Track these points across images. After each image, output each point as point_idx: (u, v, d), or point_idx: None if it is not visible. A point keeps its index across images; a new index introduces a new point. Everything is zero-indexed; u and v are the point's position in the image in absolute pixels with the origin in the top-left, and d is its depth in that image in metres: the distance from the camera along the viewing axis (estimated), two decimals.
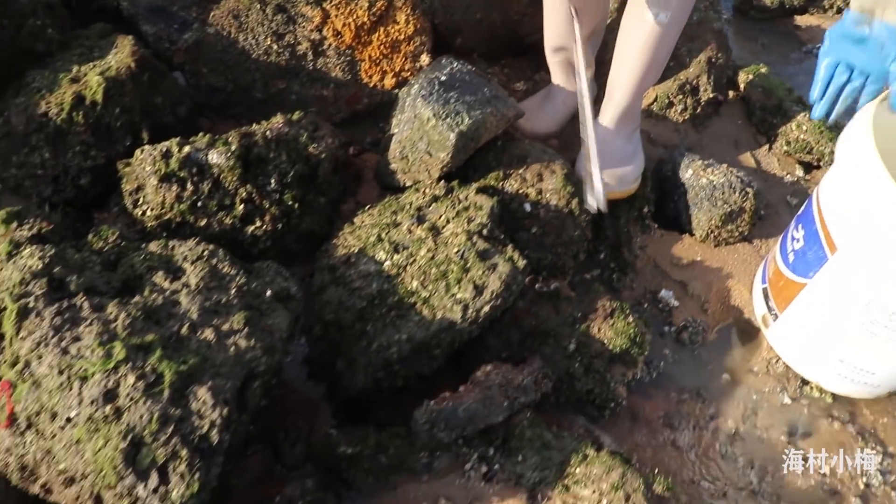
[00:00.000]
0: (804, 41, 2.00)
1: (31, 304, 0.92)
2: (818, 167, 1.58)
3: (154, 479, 0.80)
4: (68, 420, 0.82)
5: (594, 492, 1.01)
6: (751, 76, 1.67)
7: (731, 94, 1.69)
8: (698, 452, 1.17)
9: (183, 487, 0.79)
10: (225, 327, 0.92)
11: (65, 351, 0.86)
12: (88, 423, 0.81)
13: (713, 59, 1.63)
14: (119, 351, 0.84)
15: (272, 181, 1.24)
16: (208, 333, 0.91)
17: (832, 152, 1.54)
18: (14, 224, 1.10)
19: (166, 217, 1.21)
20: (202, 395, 0.83)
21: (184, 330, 0.91)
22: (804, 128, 1.55)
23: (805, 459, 1.17)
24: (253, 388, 0.90)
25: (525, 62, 1.74)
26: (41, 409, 0.84)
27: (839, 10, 2.02)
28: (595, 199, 1.17)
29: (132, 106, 1.29)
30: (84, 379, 0.83)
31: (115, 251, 1.06)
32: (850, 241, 1.06)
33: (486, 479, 1.04)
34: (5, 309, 0.98)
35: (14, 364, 0.87)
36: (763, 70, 1.67)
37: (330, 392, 1.17)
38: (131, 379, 0.82)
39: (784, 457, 1.17)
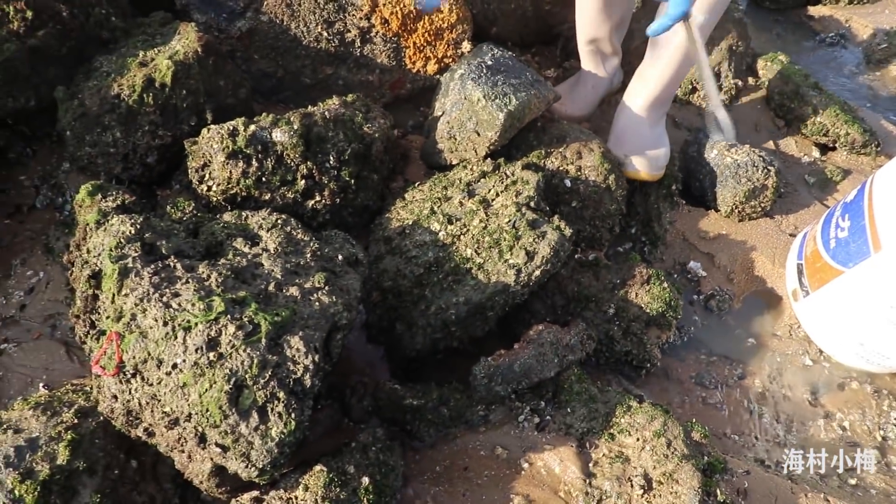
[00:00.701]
0: (817, 31, 2.09)
1: (129, 265, 1.01)
2: (833, 148, 1.67)
3: (255, 418, 0.89)
4: (174, 366, 0.91)
5: (638, 439, 1.10)
6: (769, 63, 1.76)
7: (750, 80, 1.78)
8: (729, 408, 1.27)
9: (281, 426, 0.88)
10: (307, 285, 1.01)
11: (167, 305, 0.94)
12: (194, 368, 0.90)
13: (734, 47, 1.72)
14: (218, 304, 0.93)
15: (331, 158, 1.32)
16: (293, 291, 0.99)
17: (847, 134, 1.63)
18: (98, 196, 1.19)
19: (232, 192, 1.30)
20: (295, 344, 0.92)
21: (271, 287, 1.00)
22: (820, 112, 1.64)
23: (827, 416, 1.27)
24: (336, 339, 0.99)
25: (555, 50, 1.82)
26: (147, 358, 0.93)
27: (851, 1, 2.10)
28: (725, 131, 1.25)
29: (197, 88, 1.37)
30: (187, 329, 0.92)
31: (193, 221, 1.15)
32: None
33: (538, 430, 1.13)
34: (100, 272, 1.07)
35: (119, 318, 0.96)
36: (781, 57, 1.76)
37: (388, 354, 1.26)
38: (231, 329, 0.91)
39: (807, 413, 1.26)
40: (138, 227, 1.06)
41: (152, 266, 1.01)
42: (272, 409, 0.89)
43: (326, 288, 1.01)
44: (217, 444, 0.90)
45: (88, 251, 1.10)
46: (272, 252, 1.07)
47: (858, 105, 1.81)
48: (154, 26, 1.51)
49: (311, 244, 1.10)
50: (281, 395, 0.90)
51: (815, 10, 2.12)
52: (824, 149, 1.67)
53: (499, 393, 1.13)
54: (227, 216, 1.15)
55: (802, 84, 1.69)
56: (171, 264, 1.01)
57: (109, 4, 1.50)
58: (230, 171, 1.28)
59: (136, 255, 1.02)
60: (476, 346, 1.27)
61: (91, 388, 1.12)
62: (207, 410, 0.89)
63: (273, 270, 1.03)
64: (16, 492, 0.95)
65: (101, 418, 1.05)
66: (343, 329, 1.00)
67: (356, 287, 1.06)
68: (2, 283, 1.31)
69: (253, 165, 1.28)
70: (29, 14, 1.33)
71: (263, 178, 1.30)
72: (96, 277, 1.07)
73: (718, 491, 1.04)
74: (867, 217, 1.19)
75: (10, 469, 0.97)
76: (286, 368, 0.91)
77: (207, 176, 1.32)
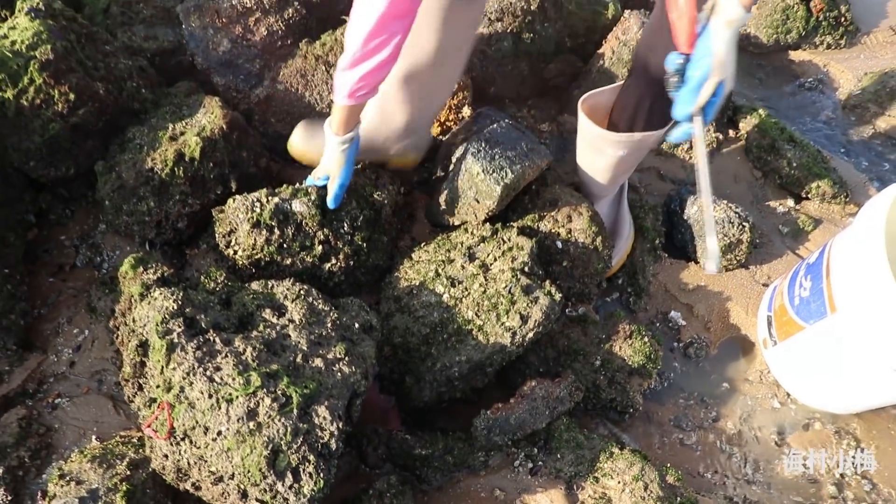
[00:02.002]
0: (797, 75, 2.22)
1: (174, 340, 1.16)
2: (807, 198, 1.81)
3: (290, 478, 1.04)
4: (219, 433, 1.06)
5: (619, 482, 1.25)
6: (748, 117, 1.89)
7: (731, 132, 1.91)
8: (703, 449, 1.42)
9: (312, 484, 1.04)
10: (330, 356, 1.16)
11: (210, 379, 1.09)
12: (236, 435, 1.05)
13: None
14: (255, 378, 1.08)
15: (345, 225, 1.47)
16: (318, 362, 1.14)
17: (818, 186, 1.77)
18: (140, 269, 1.33)
19: (256, 257, 1.44)
20: (322, 413, 1.07)
21: (298, 359, 1.15)
22: (794, 164, 1.78)
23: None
24: (356, 404, 1.14)
25: (549, 101, 1.96)
26: (195, 425, 1.08)
27: (829, 46, 2.23)
28: (711, 259, 1.15)
29: (223, 160, 1.51)
30: (230, 401, 1.07)
31: (225, 291, 1.29)
32: (849, 309, 1.22)
33: (531, 474, 1.28)
34: (146, 342, 1.22)
35: (169, 389, 1.11)
36: (760, 111, 1.89)
37: (399, 403, 1.41)
38: (268, 401, 1.06)
39: (773, 453, 1.41)
40: (180, 302, 1.21)
41: (195, 341, 1.16)
42: (304, 470, 1.05)
43: (346, 359, 1.16)
44: (257, 500, 1.06)
45: (134, 321, 1.25)
46: (297, 323, 1.22)
47: (832, 151, 1.94)
48: (180, 97, 1.65)
49: (332, 314, 1.24)
50: (311, 458, 1.05)
51: (795, 55, 2.24)
52: (798, 198, 1.81)
53: (497, 442, 1.28)
54: (255, 285, 1.29)
55: (778, 138, 1.82)
56: (211, 339, 1.16)
57: (140, 76, 1.64)
58: (254, 239, 1.43)
59: (180, 330, 1.17)
60: (476, 394, 1.42)
61: (136, 440, 1.28)
62: (249, 471, 1.04)
63: (299, 342, 1.17)
64: None
65: (150, 470, 1.21)
66: (361, 395, 1.15)
67: (371, 354, 1.21)
68: (51, 340, 1.46)
69: (275, 234, 1.43)
70: (72, 96, 1.47)
71: (284, 245, 1.44)
72: (143, 347, 1.22)
73: None
74: (825, 280, 1.33)
75: None
76: (315, 435, 1.06)
77: (234, 241, 1.46)
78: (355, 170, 1.53)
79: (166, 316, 1.19)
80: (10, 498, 1.22)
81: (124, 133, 1.58)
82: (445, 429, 1.36)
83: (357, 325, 1.25)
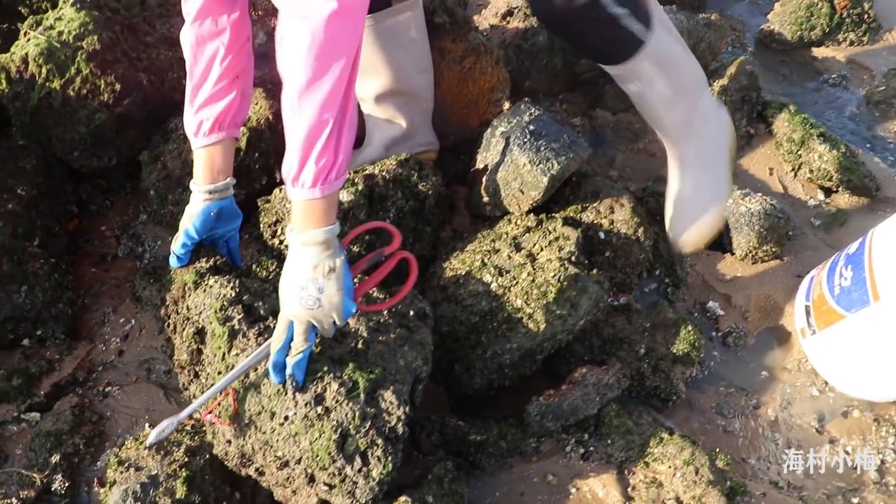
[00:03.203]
0: (821, 71, 2.25)
1: (236, 327, 1.16)
2: (837, 191, 1.83)
3: (358, 461, 1.05)
4: (286, 418, 1.07)
5: (670, 467, 1.27)
6: (777, 111, 1.92)
7: (761, 126, 1.94)
8: (746, 435, 1.44)
9: (381, 468, 1.05)
10: (390, 342, 1.17)
11: None
12: (304, 420, 1.06)
13: (745, 98, 1.88)
14: (322, 364, 1.09)
15: (391, 214, 1.48)
16: (380, 347, 1.15)
17: (849, 180, 1.80)
18: (193, 257, 1.34)
19: None
20: (388, 397, 1.08)
21: (360, 345, 1.16)
22: (825, 158, 1.80)
23: (832, 441, 1.44)
24: (417, 389, 1.15)
25: (580, 96, 1.97)
26: (261, 410, 1.09)
27: (852, 43, 2.26)
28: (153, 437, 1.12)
29: (268, 150, 1.52)
30: None
31: (277, 279, 1.30)
32: (893, 297, 1.23)
33: (583, 459, 1.30)
34: (203, 330, 1.22)
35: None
36: (789, 107, 1.92)
37: (447, 391, 1.43)
38: (335, 386, 1.07)
39: (814, 440, 1.44)
40: (237, 290, 1.22)
41: (256, 327, 1.16)
42: (372, 454, 1.05)
43: (406, 345, 1.17)
44: (325, 483, 1.06)
45: (188, 308, 1.26)
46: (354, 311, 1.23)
47: (859, 146, 1.97)
48: None
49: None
50: (379, 441, 1.06)
51: (818, 51, 2.27)
52: (828, 192, 1.84)
53: (549, 428, 1.30)
54: None
55: (807, 132, 1.85)
56: (272, 325, 1.17)
57: (180, 67, 1.64)
58: None
59: (240, 316, 1.18)
60: (522, 383, 1.43)
61: (189, 428, 1.28)
62: (317, 456, 1.05)
63: (359, 328, 1.18)
64: None
65: (208, 456, 1.22)
66: (422, 381, 1.16)
67: (429, 341, 1.22)
68: (98, 329, 1.46)
69: None
70: (118, 86, 1.47)
71: None
72: (200, 334, 1.23)
73: None
74: (867, 269, 1.36)
75: (139, 503, 1.13)
76: (382, 419, 1.07)
77: (279, 231, 1.47)
78: (398, 160, 1.54)
79: (224, 303, 1.20)
80: (67, 485, 1.23)
81: (166, 123, 1.59)
82: (490, 416, 1.37)
83: (412, 313, 1.26)
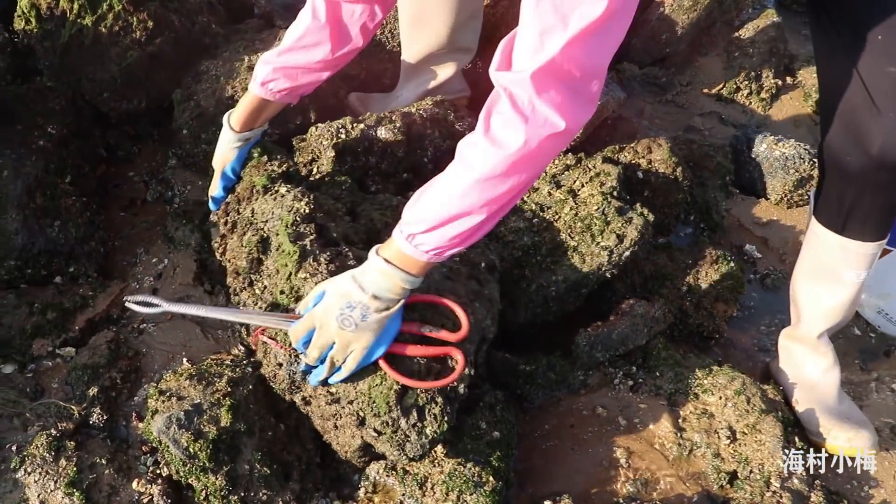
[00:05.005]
0: None
1: (308, 248, 1.11)
2: None
3: (414, 416, 1.00)
4: None
5: (720, 398, 1.25)
6: (805, 64, 1.92)
7: (788, 79, 1.94)
8: None
9: (435, 426, 1.00)
10: (461, 294, 1.12)
11: None
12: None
13: (773, 49, 1.88)
14: None
15: (428, 153, 1.46)
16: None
17: None
18: (265, 158, 1.28)
19: None
20: (458, 358, 1.03)
21: (431, 291, 1.11)
22: None
23: (877, 380, 1.43)
24: (483, 350, 1.12)
25: None
26: None
27: None
28: None
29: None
30: None
31: (349, 200, 1.26)
32: None
33: (632, 391, 1.28)
34: (268, 240, 1.17)
35: (297, 298, 1.08)
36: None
37: None
38: None
39: (861, 377, 1.42)
40: (312, 206, 1.16)
41: (328, 252, 1.11)
42: (429, 411, 1.01)
43: (477, 303, 1.12)
44: (374, 429, 1.02)
45: (254, 213, 1.20)
46: None
47: None
48: (251, 32, 1.64)
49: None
50: (439, 399, 1.02)
51: None
52: None
53: (598, 359, 1.28)
54: (381, 198, 1.26)
55: None
56: (344, 252, 1.12)
57: (210, 12, 1.62)
58: (339, 166, 1.41)
59: (312, 237, 1.13)
60: (565, 322, 1.41)
61: (229, 362, 1.24)
62: (374, 401, 1.01)
63: (432, 274, 1.11)
64: (190, 449, 1.08)
65: (251, 387, 1.18)
66: (488, 341, 1.13)
67: (497, 298, 1.18)
68: (129, 270, 1.43)
69: (360, 161, 1.41)
70: (150, 24, 1.45)
71: (369, 172, 1.43)
72: (264, 243, 1.17)
73: (797, 438, 1.20)
74: None
75: (183, 430, 1.09)
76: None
77: (315, 170, 1.44)
78: (434, 101, 1.53)
79: (297, 219, 1.14)
80: (105, 418, 1.19)
81: (197, 66, 1.56)
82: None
83: (483, 265, 1.22)
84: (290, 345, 1.05)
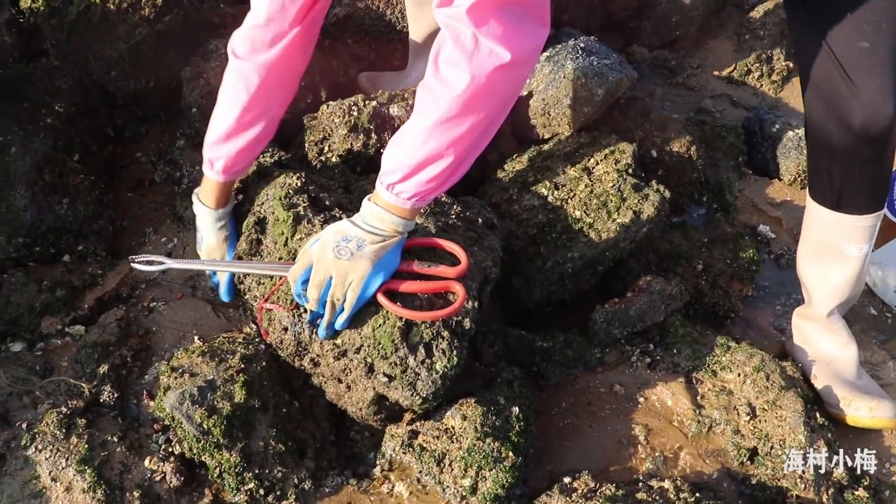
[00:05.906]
0: None
1: (301, 213, 1.12)
2: None
3: (422, 352, 1.00)
4: None
5: (739, 374, 1.24)
6: None
7: None
8: None
9: (445, 360, 1.00)
10: (459, 242, 1.12)
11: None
12: (370, 304, 1.01)
13: (784, 31, 1.87)
14: None
15: None
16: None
17: None
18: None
19: (351, 163, 1.41)
20: (457, 290, 1.03)
21: None
22: None
23: (894, 359, 1.42)
24: (486, 290, 1.11)
25: (616, 35, 1.95)
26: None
27: None
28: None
29: (314, 69, 1.48)
30: None
31: (343, 179, 1.26)
32: None
33: (650, 368, 1.26)
34: (264, 219, 1.18)
35: (296, 259, 1.07)
36: None
37: (504, 307, 1.38)
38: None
39: (878, 356, 1.41)
40: (303, 180, 1.18)
41: (322, 215, 1.12)
42: (437, 346, 1.01)
43: (476, 246, 1.13)
44: (384, 374, 1.01)
45: (250, 200, 1.22)
46: (422, 211, 1.18)
47: None
48: None
49: (455, 206, 1.22)
50: (445, 334, 1.01)
51: None
52: None
53: (615, 335, 1.26)
54: (374, 176, 1.26)
55: None
56: (338, 215, 1.12)
57: None
58: (351, 144, 1.40)
59: (305, 204, 1.14)
60: (579, 302, 1.40)
61: (241, 339, 1.23)
62: (380, 343, 1.01)
63: (427, 226, 1.14)
64: (204, 425, 1.06)
65: (264, 363, 1.17)
66: (491, 282, 1.12)
67: (497, 247, 1.18)
68: (138, 249, 1.41)
69: (373, 138, 1.40)
70: (159, 1, 1.43)
71: (381, 150, 1.41)
72: (261, 224, 1.19)
73: (817, 414, 1.18)
74: None
75: (197, 406, 1.07)
76: None
77: (327, 149, 1.43)
78: None
79: (290, 191, 1.16)
80: (115, 396, 1.17)
81: (206, 45, 1.54)
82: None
83: (481, 221, 1.22)
84: (291, 292, 1.04)
